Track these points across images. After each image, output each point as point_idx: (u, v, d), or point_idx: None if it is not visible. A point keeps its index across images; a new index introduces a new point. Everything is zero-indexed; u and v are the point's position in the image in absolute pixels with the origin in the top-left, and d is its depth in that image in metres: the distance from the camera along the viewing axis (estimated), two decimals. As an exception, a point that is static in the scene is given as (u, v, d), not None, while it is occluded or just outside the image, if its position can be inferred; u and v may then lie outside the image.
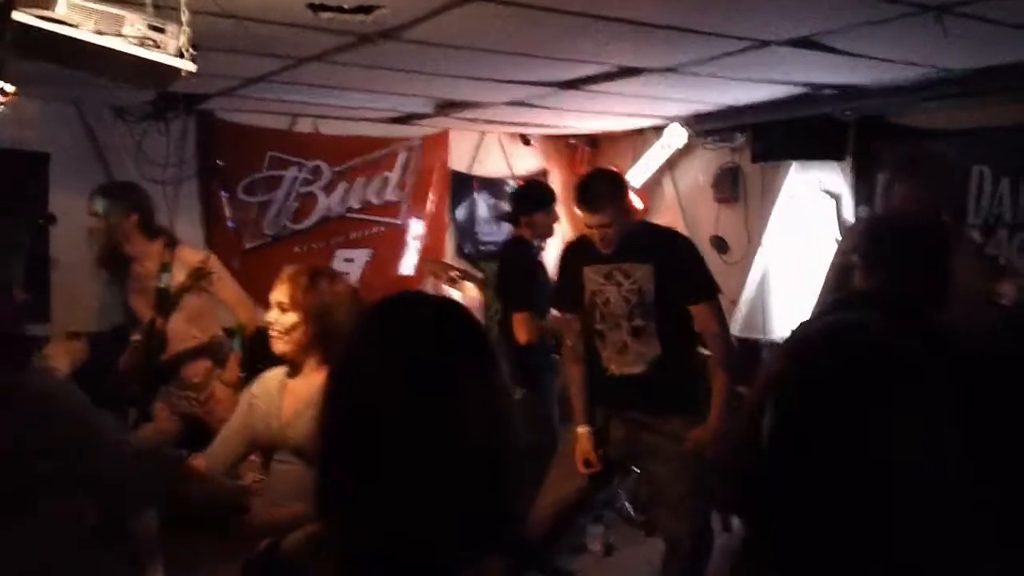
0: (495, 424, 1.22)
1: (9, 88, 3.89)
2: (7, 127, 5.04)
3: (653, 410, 3.62)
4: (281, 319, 2.73)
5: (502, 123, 6.26)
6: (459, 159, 6.67)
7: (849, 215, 5.30)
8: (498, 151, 6.80)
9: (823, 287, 3.75)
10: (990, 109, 4.43)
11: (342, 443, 1.22)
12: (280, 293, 2.74)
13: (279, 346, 2.75)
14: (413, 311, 1.31)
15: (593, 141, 6.89)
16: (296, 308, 2.70)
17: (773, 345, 5.50)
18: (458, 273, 5.36)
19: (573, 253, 3.83)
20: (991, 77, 4.09)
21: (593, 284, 3.68)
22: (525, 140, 6.80)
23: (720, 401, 3.57)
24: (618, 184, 3.64)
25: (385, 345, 1.25)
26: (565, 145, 6.95)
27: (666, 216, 6.48)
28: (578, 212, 3.64)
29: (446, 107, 5.51)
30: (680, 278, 3.59)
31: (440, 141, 6.50)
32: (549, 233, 4.86)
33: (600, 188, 3.55)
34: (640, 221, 4.06)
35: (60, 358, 2.95)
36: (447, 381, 1.21)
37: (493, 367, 1.28)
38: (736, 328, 5.91)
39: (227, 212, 5.82)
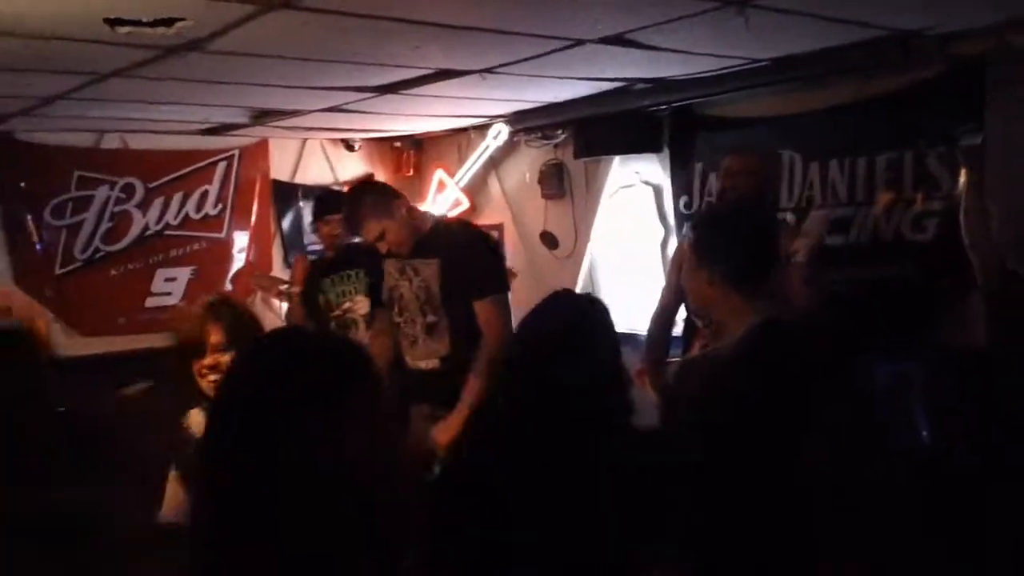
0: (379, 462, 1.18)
1: None
2: None
3: (444, 405, 3.60)
4: (224, 359, 2.57)
5: (323, 129, 6.13)
6: (281, 168, 6.49)
7: (669, 205, 5.48)
8: (321, 158, 6.66)
9: (667, 282, 3.90)
10: (796, 96, 4.65)
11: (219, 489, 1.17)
12: (215, 334, 2.58)
13: None
14: (293, 358, 1.23)
15: (417, 143, 6.86)
16: (233, 343, 2.56)
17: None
18: (287, 285, 5.23)
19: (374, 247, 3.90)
20: (793, 65, 4.28)
21: (391, 279, 3.80)
22: (349, 146, 6.69)
23: (465, 403, 3.49)
24: (373, 197, 3.74)
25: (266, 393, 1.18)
26: (390, 148, 6.88)
27: (494, 214, 6.54)
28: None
29: (262, 116, 5.35)
30: (463, 274, 3.64)
31: (259, 151, 6.31)
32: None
33: (356, 210, 3.70)
34: (436, 218, 4.13)
35: None
36: (329, 430, 1.15)
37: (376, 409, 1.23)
38: (570, 320, 6.03)
39: (34, 237, 5.47)
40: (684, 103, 5.10)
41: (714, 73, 4.52)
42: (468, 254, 3.69)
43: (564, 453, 1.76)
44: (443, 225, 3.94)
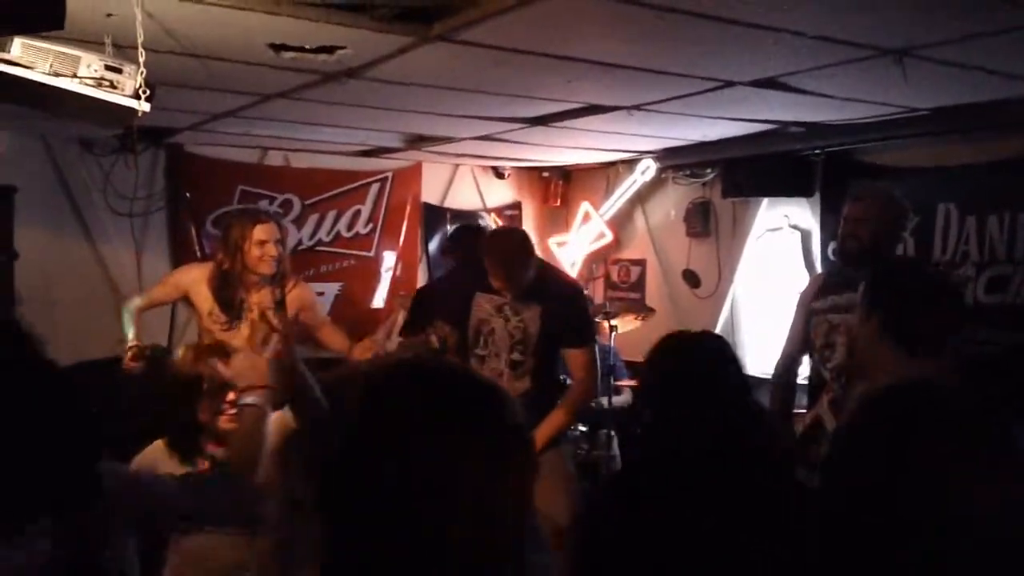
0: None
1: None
2: (-28, 161, 5.01)
3: None
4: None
5: (474, 156, 6.26)
6: (432, 192, 6.66)
7: (817, 251, 5.31)
8: (471, 184, 6.80)
9: (791, 331, 3.76)
10: (955, 148, 4.46)
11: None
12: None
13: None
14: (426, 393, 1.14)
15: (566, 174, 6.90)
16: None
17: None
18: None
19: (467, 274, 4.06)
20: (954, 116, 4.12)
21: (483, 312, 3.89)
22: (498, 173, 6.81)
23: (548, 430, 3.72)
24: (529, 254, 3.85)
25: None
26: (538, 177, 6.96)
27: (637, 249, 6.50)
28: (493, 272, 3.79)
29: (416, 141, 5.51)
30: (564, 323, 3.83)
31: (412, 174, 6.49)
32: None
33: (520, 259, 3.79)
34: (539, 265, 4.08)
35: None
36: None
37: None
38: (707, 362, 5.91)
39: (195, 245, 5.78)
40: (839, 149, 4.96)
41: (870, 120, 4.37)
42: (570, 306, 3.89)
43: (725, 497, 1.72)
44: (547, 273, 4.01)
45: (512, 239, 3.97)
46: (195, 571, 2.70)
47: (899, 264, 3.88)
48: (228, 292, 3.96)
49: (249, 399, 2.36)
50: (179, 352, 2.89)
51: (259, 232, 3.94)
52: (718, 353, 2.27)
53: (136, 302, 4.18)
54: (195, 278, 4.11)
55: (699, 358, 2.23)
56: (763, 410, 2.14)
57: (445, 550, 1.06)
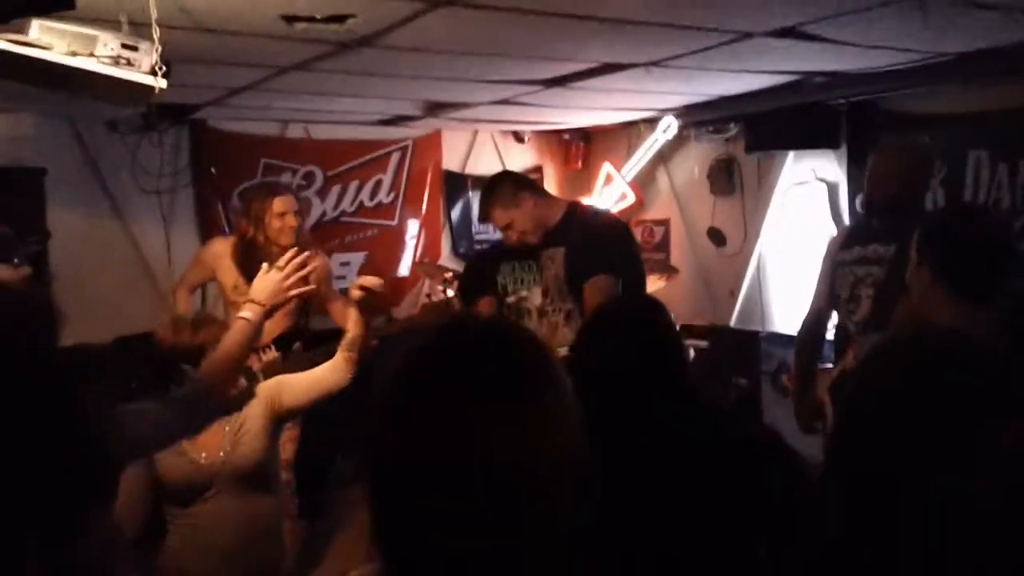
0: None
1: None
2: (2, 144, 5.08)
3: None
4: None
5: (493, 121, 6.24)
6: (452, 159, 6.66)
7: (845, 204, 5.26)
8: (491, 149, 6.78)
9: (818, 285, 3.74)
10: (984, 93, 4.38)
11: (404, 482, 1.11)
12: None
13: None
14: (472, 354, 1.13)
15: (586, 135, 6.87)
16: None
17: (771, 336, 5.48)
18: (451, 275, 5.34)
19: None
20: (983, 61, 4.03)
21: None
22: (518, 137, 6.79)
23: None
24: (498, 186, 3.77)
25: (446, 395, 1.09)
26: (559, 141, 6.93)
27: (661, 209, 6.47)
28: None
29: (434, 108, 5.50)
30: (583, 259, 3.61)
31: (432, 142, 6.49)
32: None
33: (484, 199, 3.76)
34: (568, 203, 4.02)
35: None
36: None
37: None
38: (734, 320, 5.90)
39: (222, 220, 5.83)
40: (864, 98, 4.88)
41: (895, 68, 4.29)
42: (585, 240, 3.66)
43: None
44: (574, 213, 3.87)
45: (490, 180, 3.95)
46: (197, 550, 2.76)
47: (950, 210, 3.84)
48: (251, 264, 3.96)
49: (245, 313, 2.46)
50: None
51: (278, 204, 4.06)
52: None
53: (179, 294, 4.28)
54: (218, 252, 4.22)
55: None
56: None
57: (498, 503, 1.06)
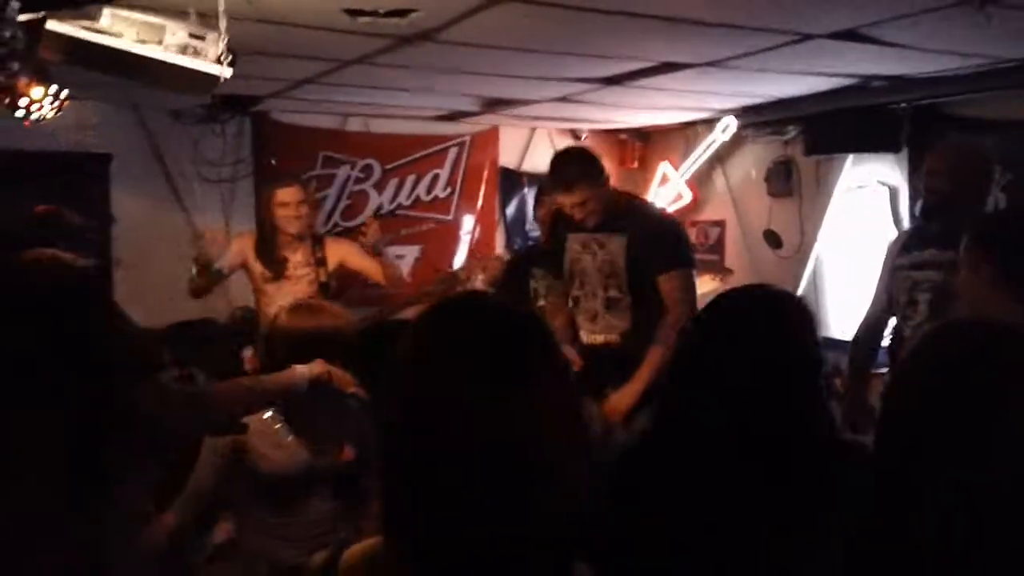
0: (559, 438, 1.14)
1: (63, 94, 4.04)
2: (69, 131, 5.23)
3: (621, 381, 3.60)
4: None
5: (551, 119, 6.26)
6: (509, 156, 6.69)
7: (905, 208, 5.19)
8: (548, 147, 6.78)
9: (876, 289, 3.70)
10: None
11: (408, 463, 1.15)
12: None
13: None
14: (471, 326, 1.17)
15: (643, 135, 6.85)
16: None
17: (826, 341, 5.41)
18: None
19: (561, 220, 3.90)
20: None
21: (573, 252, 3.82)
22: (576, 135, 6.79)
23: (646, 371, 3.52)
24: (588, 161, 3.73)
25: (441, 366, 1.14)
26: (616, 140, 6.92)
27: (717, 210, 6.44)
28: (556, 194, 3.75)
29: (492, 104, 5.54)
30: (651, 249, 3.64)
31: (490, 138, 6.53)
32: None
33: (571, 168, 3.68)
34: (621, 193, 4.05)
35: None
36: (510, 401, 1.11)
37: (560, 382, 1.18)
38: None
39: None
40: (927, 102, 4.81)
41: (957, 72, 4.23)
42: (655, 231, 3.71)
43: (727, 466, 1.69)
44: (631, 202, 3.91)
45: (569, 154, 3.93)
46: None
47: (1008, 213, 3.77)
48: (268, 251, 4.36)
49: (303, 369, 2.43)
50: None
51: (280, 195, 4.32)
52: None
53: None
54: (245, 243, 4.47)
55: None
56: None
57: (491, 474, 1.09)
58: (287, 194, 4.32)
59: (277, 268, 4.33)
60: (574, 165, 3.69)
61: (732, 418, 1.71)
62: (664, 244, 3.68)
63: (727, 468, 1.68)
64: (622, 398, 3.56)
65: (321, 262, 4.36)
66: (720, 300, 1.90)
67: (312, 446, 2.66)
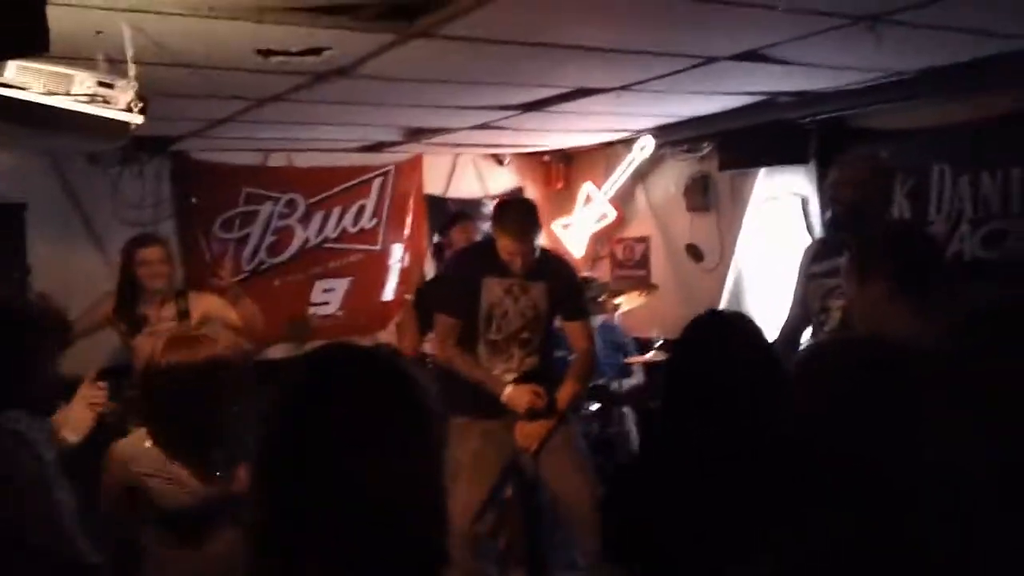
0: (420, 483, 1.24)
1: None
2: (-18, 180, 5.12)
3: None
4: None
5: (473, 145, 6.33)
6: (434, 183, 6.72)
7: (817, 217, 5.35)
8: (472, 172, 6.86)
9: (793, 297, 3.81)
10: (946, 108, 4.48)
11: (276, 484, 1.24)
12: None
13: None
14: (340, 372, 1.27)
15: (566, 156, 6.96)
16: None
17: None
18: None
19: (473, 261, 4.08)
20: (941, 77, 4.14)
21: (493, 295, 3.93)
22: (499, 160, 6.86)
23: (565, 402, 3.91)
24: (537, 213, 3.96)
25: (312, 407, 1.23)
26: (539, 162, 7.01)
27: (640, 226, 6.56)
28: (504, 239, 3.83)
29: (414, 134, 5.58)
30: (566, 298, 4.02)
31: (413, 166, 6.56)
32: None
33: (528, 220, 3.86)
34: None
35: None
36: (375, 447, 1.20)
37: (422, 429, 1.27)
38: (715, 334, 5.96)
39: (205, 250, 5.88)
40: (832, 115, 4.98)
41: (859, 86, 4.40)
42: (570, 282, 4.12)
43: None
44: (546, 252, 4.11)
45: (525, 205, 4.12)
46: None
47: (895, 227, 3.92)
48: (129, 309, 4.47)
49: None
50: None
51: (142, 254, 4.44)
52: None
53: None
54: (107, 305, 4.55)
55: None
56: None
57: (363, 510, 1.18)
58: (149, 253, 4.45)
59: (136, 325, 4.43)
60: (531, 217, 3.89)
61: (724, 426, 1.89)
62: (578, 295, 4.18)
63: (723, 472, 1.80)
64: (537, 429, 3.85)
65: (184, 315, 4.47)
66: (695, 326, 2.20)
67: (201, 474, 2.65)
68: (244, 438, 2.67)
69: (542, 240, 4.08)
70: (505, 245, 3.82)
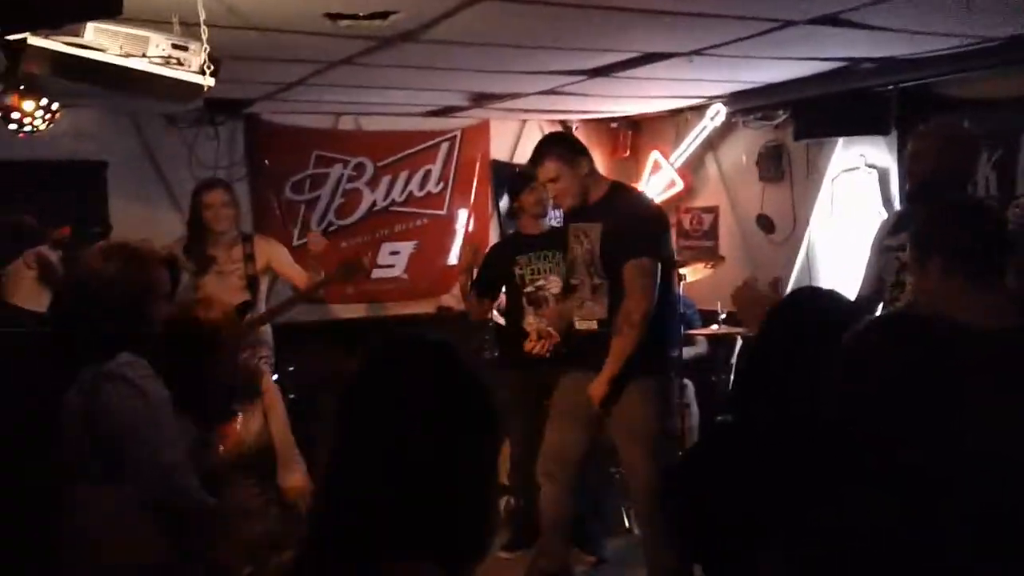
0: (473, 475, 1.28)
1: (54, 106, 4.07)
2: (65, 139, 5.26)
3: (598, 369, 3.71)
4: None
5: (540, 111, 6.28)
6: (501, 148, 6.70)
7: (895, 190, 5.20)
8: (539, 139, 6.79)
9: (866, 271, 3.71)
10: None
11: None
12: None
13: None
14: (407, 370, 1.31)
15: (634, 124, 6.86)
16: None
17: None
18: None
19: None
20: (1030, 44, 3.98)
21: (570, 241, 3.91)
22: (566, 126, 6.79)
23: (612, 364, 3.64)
24: (561, 140, 3.97)
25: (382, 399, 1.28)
26: (606, 129, 6.92)
27: (709, 196, 6.46)
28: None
29: (480, 99, 5.56)
30: (621, 236, 3.71)
31: (480, 132, 6.55)
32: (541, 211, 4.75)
33: (541, 145, 3.88)
34: (609, 181, 4.05)
35: None
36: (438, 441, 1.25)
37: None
38: (784, 307, 5.86)
39: (276, 211, 5.97)
40: (914, 83, 4.82)
41: (943, 52, 4.24)
42: (628, 220, 3.75)
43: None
44: (616, 192, 3.92)
45: (546, 136, 4.13)
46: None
47: (953, 203, 3.78)
48: (198, 249, 4.69)
49: None
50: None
51: (206, 198, 4.68)
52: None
53: None
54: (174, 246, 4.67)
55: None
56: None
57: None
58: (213, 196, 4.69)
59: (203, 265, 4.65)
60: (545, 143, 3.92)
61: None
62: (633, 232, 3.72)
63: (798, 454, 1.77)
64: (595, 387, 3.70)
65: (249, 258, 4.70)
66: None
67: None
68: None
69: (585, 170, 3.80)
70: (539, 179, 3.91)
